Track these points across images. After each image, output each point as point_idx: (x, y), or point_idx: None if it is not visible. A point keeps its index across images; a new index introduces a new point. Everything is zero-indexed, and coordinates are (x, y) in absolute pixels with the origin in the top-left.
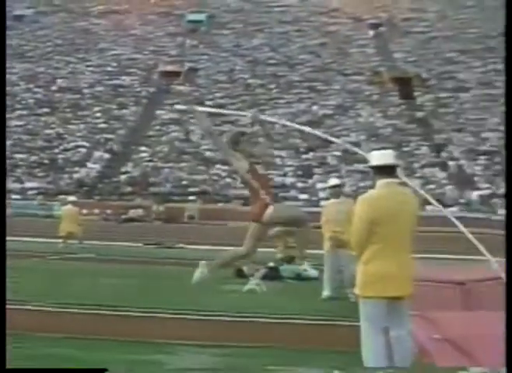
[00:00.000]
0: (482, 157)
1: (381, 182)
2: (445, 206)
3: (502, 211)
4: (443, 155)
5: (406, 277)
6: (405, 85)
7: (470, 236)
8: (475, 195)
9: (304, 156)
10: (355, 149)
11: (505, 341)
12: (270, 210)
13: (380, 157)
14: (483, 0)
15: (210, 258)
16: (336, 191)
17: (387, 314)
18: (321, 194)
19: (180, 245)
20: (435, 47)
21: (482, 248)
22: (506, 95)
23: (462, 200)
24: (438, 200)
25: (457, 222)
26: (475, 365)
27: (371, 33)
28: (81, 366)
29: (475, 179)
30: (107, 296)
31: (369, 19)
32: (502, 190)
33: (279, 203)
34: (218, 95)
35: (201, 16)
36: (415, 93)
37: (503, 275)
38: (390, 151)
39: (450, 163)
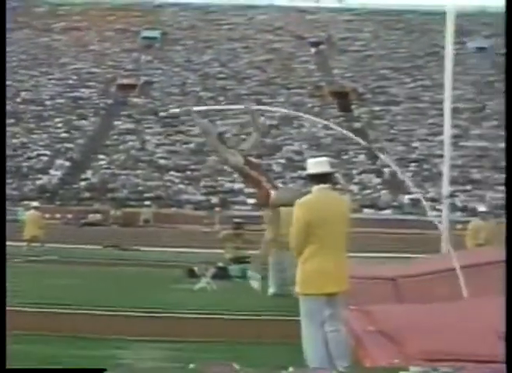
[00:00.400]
0: (412, 164)
1: (316, 188)
2: (380, 209)
3: (430, 213)
4: (378, 162)
5: (342, 274)
6: (343, 99)
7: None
8: (406, 199)
9: None
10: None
11: (505, 340)
12: (273, 194)
13: (314, 166)
14: (411, 23)
15: (164, 259)
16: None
17: (324, 309)
18: None
19: (137, 247)
20: (369, 64)
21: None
22: (506, 96)
23: (395, 204)
24: (374, 204)
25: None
26: (405, 356)
27: (312, 50)
28: (31, 360)
29: (406, 184)
30: (67, 295)
31: (311, 38)
32: (431, 194)
33: (280, 187)
34: (171, 106)
35: (155, 33)
36: (353, 106)
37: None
38: (324, 160)
39: (385, 170)
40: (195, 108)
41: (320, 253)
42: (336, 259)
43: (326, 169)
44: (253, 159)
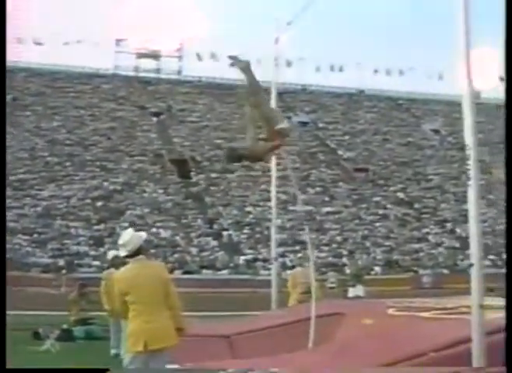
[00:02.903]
0: (247, 227)
1: (131, 260)
2: (217, 269)
3: (264, 272)
4: (215, 226)
5: (165, 331)
6: (182, 166)
7: None
8: (241, 260)
9: (96, 227)
10: None
11: (505, 341)
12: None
13: (126, 246)
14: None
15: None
16: (115, 262)
17: (146, 365)
18: None
19: None
20: (206, 134)
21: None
22: (506, 99)
23: (231, 264)
24: (211, 266)
25: None
26: None
27: (153, 119)
28: None
29: (241, 246)
30: None
31: (152, 108)
32: (264, 255)
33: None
34: (20, 170)
35: (6, 99)
36: (191, 173)
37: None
38: (133, 237)
39: (223, 233)
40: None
41: (141, 315)
42: (157, 319)
43: (137, 246)
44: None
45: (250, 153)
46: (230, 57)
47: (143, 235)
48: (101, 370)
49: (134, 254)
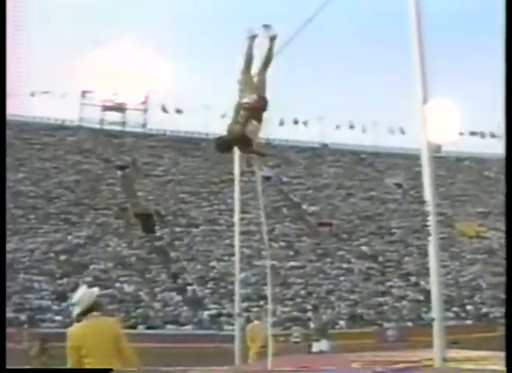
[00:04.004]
0: (211, 282)
1: (84, 317)
2: (181, 324)
3: (228, 327)
4: (179, 281)
5: None
6: (147, 220)
7: None
8: (205, 314)
9: (59, 281)
10: None
11: (505, 340)
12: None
13: (78, 304)
14: (207, 151)
15: None
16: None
17: None
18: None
19: None
20: (170, 188)
21: None
22: (506, 100)
23: (195, 319)
24: (175, 321)
25: None
26: None
27: (119, 173)
28: None
29: (205, 301)
30: None
31: (117, 161)
32: (228, 310)
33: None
34: None
35: None
36: (155, 227)
37: None
38: (85, 295)
39: (187, 288)
40: None
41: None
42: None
43: (88, 303)
44: None
45: (235, 136)
46: (265, 26)
47: (95, 291)
48: (103, 370)
49: (87, 311)
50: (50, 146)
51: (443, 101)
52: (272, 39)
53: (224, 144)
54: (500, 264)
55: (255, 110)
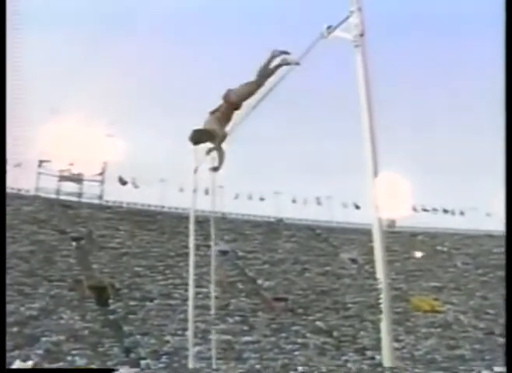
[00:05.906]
0: (165, 356)
1: None
2: None
3: None
4: (133, 355)
5: None
6: (101, 293)
7: None
8: None
9: (10, 354)
10: None
11: (505, 338)
12: None
13: None
14: (163, 225)
15: None
16: None
17: None
18: None
19: None
20: (126, 261)
21: None
22: (506, 101)
23: None
24: None
25: None
26: None
27: (74, 244)
28: None
29: None
30: None
31: (72, 232)
32: None
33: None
34: None
35: None
36: (109, 300)
37: None
38: None
39: (141, 362)
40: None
41: None
42: None
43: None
44: None
45: (208, 127)
46: (282, 52)
47: (29, 366)
48: (106, 370)
49: None
50: (6, 215)
51: (395, 175)
52: (284, 63)
53: (198, 137)
54: (455, 338)
55: (231, 106)
